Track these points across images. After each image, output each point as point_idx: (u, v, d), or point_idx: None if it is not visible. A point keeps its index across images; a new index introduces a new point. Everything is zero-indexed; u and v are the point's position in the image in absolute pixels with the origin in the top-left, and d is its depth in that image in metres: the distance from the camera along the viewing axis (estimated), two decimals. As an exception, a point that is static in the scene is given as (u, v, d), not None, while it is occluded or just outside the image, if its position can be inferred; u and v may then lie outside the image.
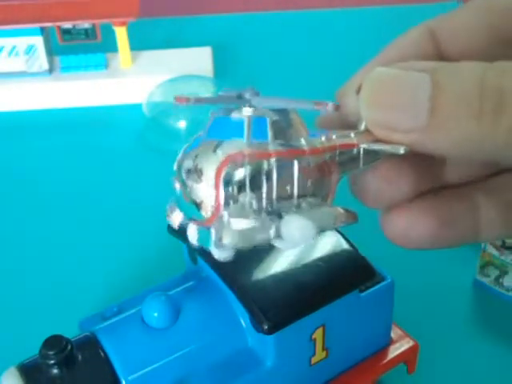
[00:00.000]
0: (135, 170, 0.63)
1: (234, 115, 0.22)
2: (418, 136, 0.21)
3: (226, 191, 0.21)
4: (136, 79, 0.72)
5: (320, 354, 0.37)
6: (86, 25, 0.70)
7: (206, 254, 0.37)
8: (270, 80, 0.74)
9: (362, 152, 0.23)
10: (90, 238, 0.56)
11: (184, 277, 0.40)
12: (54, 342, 0.34)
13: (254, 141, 0.21)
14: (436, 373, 0.44)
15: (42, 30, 0.70)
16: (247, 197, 0.21)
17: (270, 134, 0.21)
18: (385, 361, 0.40)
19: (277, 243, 0.22)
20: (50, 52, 0.72)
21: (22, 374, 0.34)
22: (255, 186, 0.21)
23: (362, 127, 0.23)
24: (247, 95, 0.22)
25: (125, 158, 0.65)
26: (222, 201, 0.21)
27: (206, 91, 0.68)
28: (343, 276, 0.36)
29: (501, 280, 0.48)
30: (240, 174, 0.21)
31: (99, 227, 0.57)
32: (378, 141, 0.23)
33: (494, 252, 0.47)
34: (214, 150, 0.21)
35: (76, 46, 0.72)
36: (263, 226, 0.21)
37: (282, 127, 0.22)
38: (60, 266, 0.53)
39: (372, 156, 0.23)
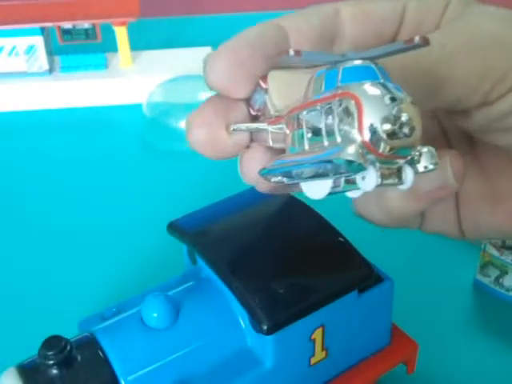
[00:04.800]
0: (135, 171, 0.63)
1: (360, 62, 0.23)
2: None
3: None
4: (136, 79, 0.72)
5: (319, 355, 0.37)
6: (86, 25, 0.70)
7: (206, 254, 0.37)
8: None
9: None
10: (89, 237, 0.56)
11: (183, 277, 0.40)
12: (54, 343, 0.34)
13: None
14: (436, 373, 0.44)
15: (42, 30, 0.70)
16: None
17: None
18: (384, 361, 0.40)
19: None
20: (50, 52, 0.72)
21: (21, 375, 0.34)
22: None
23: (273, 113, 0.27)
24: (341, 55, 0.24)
25: (125, 159, 0.65)
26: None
27: (206, 91, 0.68)
28: (343, 276, 0.36)
29: (501, 280, 0.48)
30: None
31: (99, 227, 0.57)
32: None
33: (494, 252, 0.47)
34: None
35: (76, 46, 0.72)
36: None
37: None
38: (59, 267, 0.53)
39: None
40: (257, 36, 0.27)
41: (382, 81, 0.23)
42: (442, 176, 0.27)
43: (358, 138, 0.22)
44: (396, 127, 0.22)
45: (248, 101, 0.28)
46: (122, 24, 0.70)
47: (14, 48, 0.70)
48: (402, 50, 0.23)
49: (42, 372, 0.34)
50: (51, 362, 0.33)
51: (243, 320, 0.36)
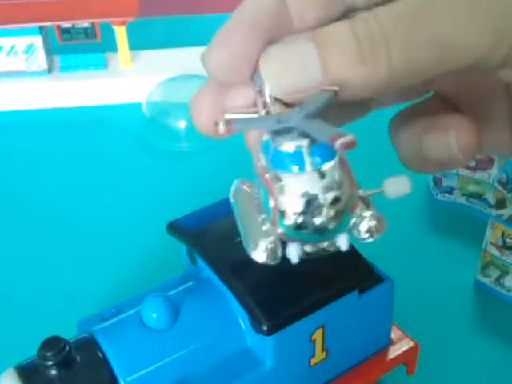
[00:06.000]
0: (135, 170, 0.63)
1: (288, 147, 0.23)
2: None
3: None
4: (135, 79, 0.72)
5: (319, 355, 0.37)
6: (86, 24, 0.70)
7: (205, 254, 0.37)
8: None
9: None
10: (88, 237, 0.56)
11: (183, 277, 0.39)
12: (53, 343, 0.34)
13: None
14: (436, 374, 0.44)
15: (41, 30, 0.69)
16: None
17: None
18: (385, 362, 0.40)
19: None
20: (50, 51, 0.72)
21: (20, 375, 0.34)
22: None
23: (268, 99, 0.25)
24: (289, 119, 0.23)
25: (124, 158, 0.65)
26: None
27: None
28: (343, 276, 0.36)
29: (502, 280, 0.48)
30: None
31: (98, 227, 0.57)
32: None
33: (495, 252, 0.47)
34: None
35: (75, 45, 0.72)
36: None
37: None
38: (58, 267, 0.53)
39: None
40: (252, 13, 0.26)
41: (307, 171, 0.23)
42: (447, 149, 0.26)
43: (273, 231, 0.23)
44: (306, 231, 0.23)
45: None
46: (122, 23, 0.70)
47: (13, 47, 0.69)
48: (328, 101, 0.23)
49: (41, 373, 0.34)
50: (50, 362, 0.33)
51: (243, 320, 0.36)
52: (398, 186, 0.24)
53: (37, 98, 0.71)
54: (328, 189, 0.23)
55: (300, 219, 0.23)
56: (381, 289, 0.38)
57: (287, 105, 0.25)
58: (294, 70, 0.24)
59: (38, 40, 0.69)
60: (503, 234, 0.46)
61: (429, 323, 0.46)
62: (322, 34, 0.24)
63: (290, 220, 0.23)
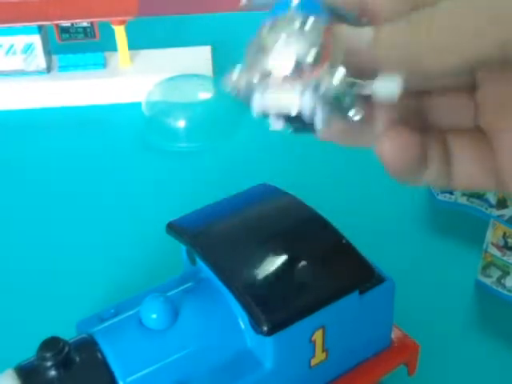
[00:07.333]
0: (134, 169, 0.63)
1: None
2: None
3: None
4: (135, 78, 0.72)
5: (320, 356, 0.37)
6: (85, 23, 0.70)
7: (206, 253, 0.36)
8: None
9: None
10: (88, 238, 0.55)
11: (182, 278, 0.39)
12: (52, 344, 0.34)
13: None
14: (437, 375, 0.44)
15: (40, 29, 0.69)
16: None
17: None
18: (385, 362, 0.40)
19: None
20: (48, 51, 0.72)
21: (19, 376, 0.34)
22: None
23: None
24: None
25: (123, 157, 0.65)
26: None
27: (205, 91, 0.67)
28: (343, 277, 0.36)
29: (503, 281, 0.48)
30: None
31: (98, 227, 0.56)
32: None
33: (496, 253, 0.47)
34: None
35: (74, 44, 0.72)
36: None
37: None
38: (58, 267, 0.53)
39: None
40: None
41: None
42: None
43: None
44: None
45: None
46: (121, 23, 0.70)
47: (11, 46, 0.69)
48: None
49: (40, 373, 0.34)
50: (49, 363, 0.33)
51: (243, 321, 0.36)
52: (387, 84, 0.24)
53: (35, 98, 0.71)
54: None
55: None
56: (381, 289, 0.38)
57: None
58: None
59: (36, 39, 0.69)
60: (504, 234, 0.46)
61: (429, 324, 0.46)
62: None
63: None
